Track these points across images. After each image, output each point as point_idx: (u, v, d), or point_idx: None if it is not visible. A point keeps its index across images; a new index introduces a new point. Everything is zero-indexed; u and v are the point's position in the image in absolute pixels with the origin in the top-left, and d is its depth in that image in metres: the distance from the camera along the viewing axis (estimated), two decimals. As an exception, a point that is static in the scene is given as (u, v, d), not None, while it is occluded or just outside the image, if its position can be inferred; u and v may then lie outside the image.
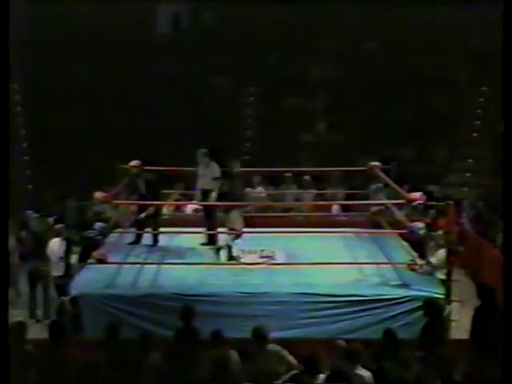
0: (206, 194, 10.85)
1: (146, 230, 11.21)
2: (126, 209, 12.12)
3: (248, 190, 14.23)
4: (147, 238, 11.20)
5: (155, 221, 11.10)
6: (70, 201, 9.55)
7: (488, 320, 7.94)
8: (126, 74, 16.35)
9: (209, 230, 10.98)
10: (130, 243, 11.06)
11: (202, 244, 11.02)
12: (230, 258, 10.23)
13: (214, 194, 10.78)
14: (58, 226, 10.27)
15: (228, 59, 16.90)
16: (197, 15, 17.92)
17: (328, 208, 13.38)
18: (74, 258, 9.93)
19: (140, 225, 11.21)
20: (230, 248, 10.23)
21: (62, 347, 7.09)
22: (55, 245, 9.99)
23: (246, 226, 11.13)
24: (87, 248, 10.20)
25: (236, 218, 10.19)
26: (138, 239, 11.18)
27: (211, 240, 10.98)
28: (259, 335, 7.26)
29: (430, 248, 10.16)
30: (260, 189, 14.11)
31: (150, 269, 9.79)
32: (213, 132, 15.67)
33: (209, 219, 10.97)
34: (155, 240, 11.14)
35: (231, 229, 10.17)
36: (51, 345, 7.08)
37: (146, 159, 11.44)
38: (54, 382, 6.81)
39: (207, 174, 10.88)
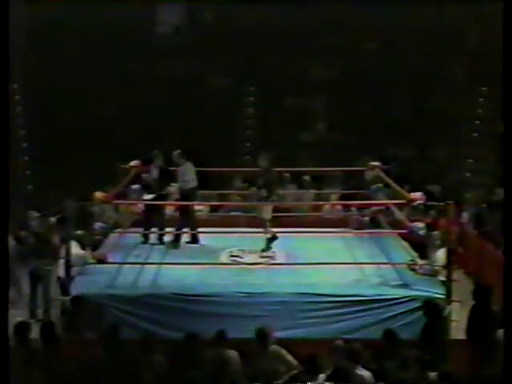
0: (184, 194, 10.87)
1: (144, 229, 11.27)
2: (126, 208, 12.14)
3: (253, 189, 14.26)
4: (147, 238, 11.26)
5: (160, 220, 11.18)
6: (70, 201, 9.55)
7: (483, 319, 7.95)
8: (126, 73, 16.35)
9: (192, 229, 11.08)
10: (144, 242, 11.14)
11: (187, 243, 11.10)
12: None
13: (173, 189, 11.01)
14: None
15: (228, 59, 16.89)
16: (197, 15, 17.90)
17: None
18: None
19: (146, 224, 11.25)
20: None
21: (60, 347, 7.10)
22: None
23: (247, 226, 11.17)
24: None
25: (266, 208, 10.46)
26: (146, 238, 11.26)
27: (195, 239, 11.10)
28: (262, 336, 7.26)
29: (430, 248, 10.17)
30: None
31: (150, 269, 9.79)
32: (213, 132, 15.70)
33: (185, 218, 11.00)
34: (161, 239, 11.23)
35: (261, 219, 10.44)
36: (50, 345, 7.09)
37: (146, 159, 11.47)
38: (54, 382, 6.81)
39: (181, 173, 10.93)
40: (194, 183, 10.98)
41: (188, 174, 10.95)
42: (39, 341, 7.13)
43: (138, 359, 7.16)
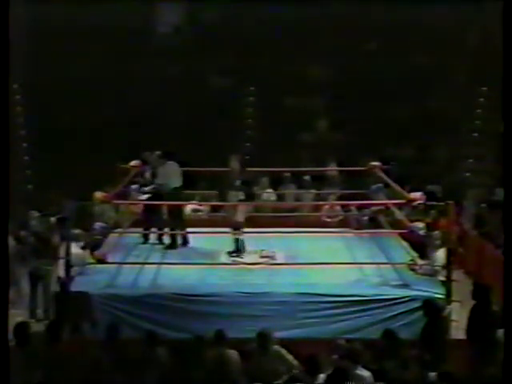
0: (167, 195, 10.86)
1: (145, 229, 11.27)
2: (126, 208, 12.15)
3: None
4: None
5: (159, 220, 11.19)
6: (70, 201, 9.57)
7: (483, 319, 7.96)
8: (125, 73, 16.34)
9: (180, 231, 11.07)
10: (144, 243, 11.15)
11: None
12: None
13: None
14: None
15: (228, 59, 16.89)
16: (197, 15, 17.90)
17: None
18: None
19: (146, 224, 11.24)
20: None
21: (61, 347, 7.10)
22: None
23: (247, 226, 11.16)
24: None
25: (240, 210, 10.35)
26: (146, 239, 11.28)
27: (185, 240, 11.11)
28: (263, 338, 7.27)
29: (430, 248, 10.16)
30: (269, 190, 14.10)
31: (150, 269, 9.79)
32: (213, 132, 15.69)
33: (174, 218, 11.01)
34: (160, 239, 11.24)
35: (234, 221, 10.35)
36: (51, 344, 7.09)
37: (146, 159, 11.48)
38: (54, 382, 6.81)
39: (163, 173, 10.90)
40: (177, 183, 10.89)
41: (169, 174, 10.88)
42: (44, 339, 7.14)
43: (137, 359, 7.17)
